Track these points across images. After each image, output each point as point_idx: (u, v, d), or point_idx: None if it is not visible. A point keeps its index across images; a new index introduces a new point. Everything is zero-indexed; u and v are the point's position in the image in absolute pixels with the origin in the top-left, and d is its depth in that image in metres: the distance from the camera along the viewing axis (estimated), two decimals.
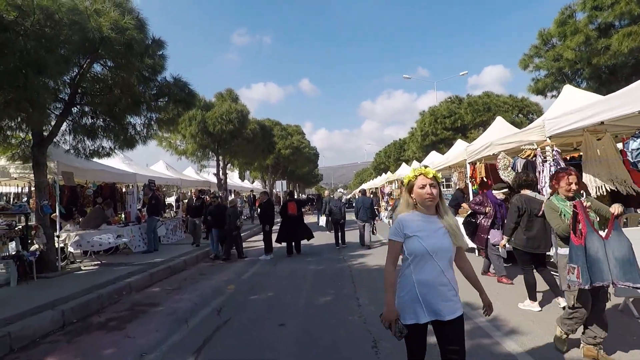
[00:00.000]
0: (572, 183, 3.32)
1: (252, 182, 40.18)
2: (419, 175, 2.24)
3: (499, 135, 8.94)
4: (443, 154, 15.84)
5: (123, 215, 11.68)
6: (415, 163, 19.12)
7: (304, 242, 10.56)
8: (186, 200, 15.32)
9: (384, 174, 33.68)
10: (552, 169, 4.84)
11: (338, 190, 20.82)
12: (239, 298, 5.99)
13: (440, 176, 2.33)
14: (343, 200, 12.24)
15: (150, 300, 6.01)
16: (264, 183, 32.62)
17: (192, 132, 13.79)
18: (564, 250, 3.35)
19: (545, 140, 5.00)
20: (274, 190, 31.07)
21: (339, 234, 10.99)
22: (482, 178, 7.64)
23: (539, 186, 5.15)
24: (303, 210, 11.85)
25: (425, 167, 2.47)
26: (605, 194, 5.39)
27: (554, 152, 4.85)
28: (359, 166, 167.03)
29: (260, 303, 5.63)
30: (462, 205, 9.63)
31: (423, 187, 2.19)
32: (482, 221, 5.98)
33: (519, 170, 5.68)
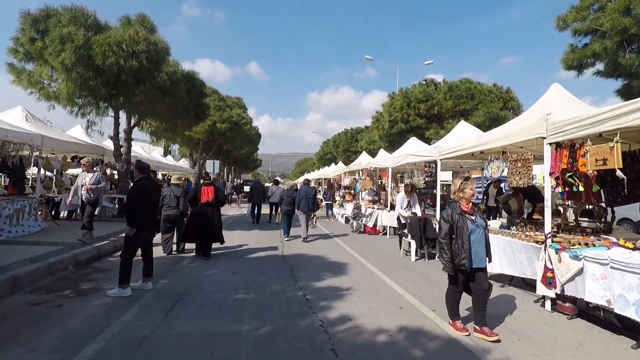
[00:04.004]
0: None
1: (180, 160, 34.14)
2: None
3: (567, 107, 5.42)
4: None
5: None
6: (382, 152, 15.45)
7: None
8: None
9: (333, 164, 30.10)
10: None
11: (281, 180, 16.71)
12: None
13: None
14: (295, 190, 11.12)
15: None
16: (192, 161, 27.06)
17: (65, 61, 8.47)
18: None
19: None
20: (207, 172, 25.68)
21: (288, 226, 10.33)
22: (600, 172, 3.85)
23: None
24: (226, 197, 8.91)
25: None
26: None
27: None
28: (300, 156, 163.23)
29: None
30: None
31: None
32: None
33: None
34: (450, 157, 7.66)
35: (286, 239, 10.12)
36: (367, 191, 13.22)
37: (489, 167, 6.15)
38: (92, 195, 7.46)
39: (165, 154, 33.49)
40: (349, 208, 14.87)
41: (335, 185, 18.17)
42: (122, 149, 11.79)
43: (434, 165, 8.10)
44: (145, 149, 25.55)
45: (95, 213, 7.54)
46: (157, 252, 7.71)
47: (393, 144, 19.95)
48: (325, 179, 25.06)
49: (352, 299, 5.02)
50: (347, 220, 14.69)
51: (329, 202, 16.96)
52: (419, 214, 8.43)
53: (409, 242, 7.97)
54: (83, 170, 7.63)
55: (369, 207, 12.38)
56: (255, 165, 60.09)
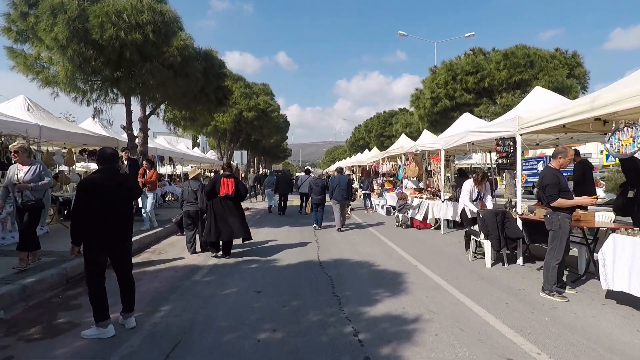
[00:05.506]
0: None
1: (208, 151, 33.46)
2: None
3: None
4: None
5: None
6: (426, 133, 13.47)
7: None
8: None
9: (366, 150, 28.26)
10: None
11: (312, 169, 15.54)
12: None
13: None
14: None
15: None
16: (220, 152, 26.10)
17: (58, 36, 7.25)
18: None
19: None
20: (233, 163, 24.33)
21: (318, 216, 10.08)
22: None
23: None
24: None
25: None
26: None
27: None
28: (329, 144, 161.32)
29: None
30: None
31: None
32: None
33: None
34: (538, 131, 5.77)
35: (317, 229, 9.88)
36: (413, 179, 11.44)
37: (614, 140, 4.26)
38: (31, 197, 5.04)
39: (193, 146, 32.86)
40: (389, 198, 13.16)
41: (372, 172, 16.41)
42: (136, 140, 10.64)
43: (510, 143, 6.21)
44: (172, 141, 24.84)
45: (41, 226, 5.67)
46: (164, 264, 6.40)
47: (434, 124, 17.87)
48: (359, 166, 23.36)
49: (427, 339, 3.39)
50: (387, 211, 12.99)
51: (367, 192, 15.27)
52: (490, 207, 6.62)
53: (479, 242, 6.21)
54: (15, 162, 5.16)
55: (416, 197, 10.62)
56: (285, 155, 59.10)
